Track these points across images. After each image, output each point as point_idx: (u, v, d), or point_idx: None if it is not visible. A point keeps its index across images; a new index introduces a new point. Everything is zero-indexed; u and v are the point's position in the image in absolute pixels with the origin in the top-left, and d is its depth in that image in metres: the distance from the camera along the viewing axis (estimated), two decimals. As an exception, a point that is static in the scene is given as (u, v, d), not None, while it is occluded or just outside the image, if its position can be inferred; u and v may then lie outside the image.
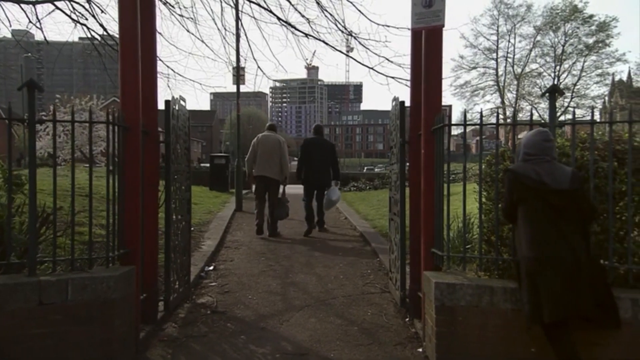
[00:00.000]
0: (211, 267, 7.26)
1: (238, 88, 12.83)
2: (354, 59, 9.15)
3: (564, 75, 44.21)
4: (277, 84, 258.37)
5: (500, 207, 3.83)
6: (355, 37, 8.54)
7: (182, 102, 5.48)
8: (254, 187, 10.47)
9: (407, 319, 5.19)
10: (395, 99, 5.64)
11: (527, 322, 3.48)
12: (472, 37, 46.82)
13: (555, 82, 43.19)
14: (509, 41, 46.76)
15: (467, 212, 4.48)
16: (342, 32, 8.46)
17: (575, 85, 42.90)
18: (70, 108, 4.37)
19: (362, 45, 8.55)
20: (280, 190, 9.97)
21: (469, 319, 4.11)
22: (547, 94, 4.20)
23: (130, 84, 4.41)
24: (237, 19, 11.85)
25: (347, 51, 10.49)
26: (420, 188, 4.86)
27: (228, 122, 64.29)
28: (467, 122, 4.37)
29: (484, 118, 4.55)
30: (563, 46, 44.64)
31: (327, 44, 9.57)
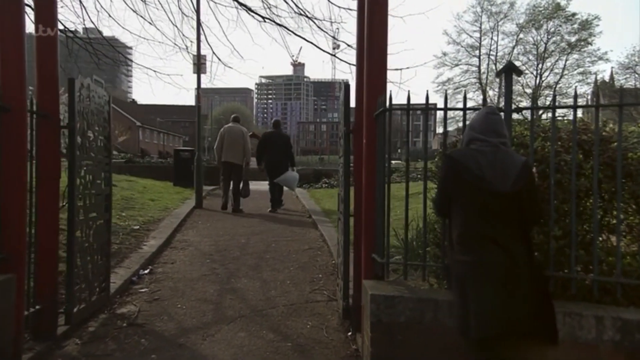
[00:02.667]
0: (146, 271, 6.57)
1: (199, 77, 12.08)
2: (315, 45, 8.50)
3: (546, 73, 44.10)
4: (263, 80, 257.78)
5: (433, 199, 3.14)
6: (311, 19, 7.87)
7: (95, 84, 4.78)
8: (221, 170, 12.16)
9: (350, 333, 4.56)
10: (341, 83, 5.01)
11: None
12: (455, 33, 46.55)
13: (538, 81, 43.04)
14: (491, 38, 46.61)
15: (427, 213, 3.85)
16: (295, 12, 7.77)
17: (557, 83, 42.70)
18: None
19: (319, 27, 7.88)
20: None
21: (409, 337, 3.53)
22: (502, 75, 3.58)
23: (10, 55, 3.69)
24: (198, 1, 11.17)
25: (333, 48, 10.17)
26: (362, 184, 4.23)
27: (210, 118, 63.49)
28: (412, 106, 3.73)
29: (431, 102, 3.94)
30: (545, 44, 44.54)
31: (288, 29, 8.92)
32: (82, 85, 4.47)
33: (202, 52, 12.05)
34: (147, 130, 63.34)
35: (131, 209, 10.67)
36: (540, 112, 4.85)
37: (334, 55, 8.28)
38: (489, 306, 2.63)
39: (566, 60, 43.26)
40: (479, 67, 46.11)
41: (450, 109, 3.72)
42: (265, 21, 8.57)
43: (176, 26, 8.39)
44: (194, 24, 10.86)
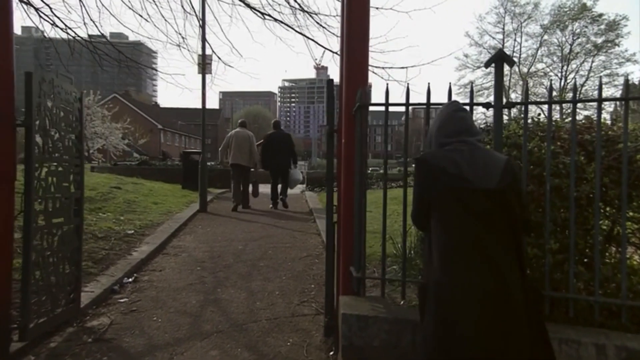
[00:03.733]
0: (131, 279, 6.24)
1: (203, 77, 11.75)
2: (314, 40, 8.10)
3: (572, 75, 42.97)
4: (286, 84, 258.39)
5: (411, 211, 2.68)
6: (309, 14, 7.48)
7: (61, 79, 4.45)
8: (231, 172, 13.00)
9: (332, 353, 4.14)
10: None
11: None
12: (477, 35, 45.74)
13: (562, 83, 42.02)
14: (515, 40, 45.69)
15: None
16: (292, 7, 7.39)
17: (582, 86, 41.58)
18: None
19: (318, 23, 7.49)
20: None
21: (384, 364, 3.10)
22: (491, 65, 3.15)
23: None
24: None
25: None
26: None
27: (232, 121, 63.64)
28: (391, 102, 3.32)
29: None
30: (571, 45, 43.45)
31: (289, 26, 8.55)
32: (42, 79, 4.14)
33: (195, 51, 11.71)
34: (168, 132, 63.66)
35: (132, 212, 10.40)
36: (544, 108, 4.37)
37: (330, 50, 7.84)
38: (475, 336, 2.19)
39: (592, 62, 42.14)
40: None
41: (435, 105, 3.30)
42: (265, 18, 8.22)
43: (168, 22, 8.02)
44: (196, 21, 10.52)
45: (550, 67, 43.63)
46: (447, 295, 2.27)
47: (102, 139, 37.82)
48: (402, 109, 3.39)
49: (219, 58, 9.63)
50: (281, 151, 12.63)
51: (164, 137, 62.17)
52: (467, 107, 3.25)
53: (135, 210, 10.63)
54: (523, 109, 3.16)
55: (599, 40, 41.74)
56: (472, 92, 3.23)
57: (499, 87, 3.16)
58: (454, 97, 3.31)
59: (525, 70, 44.79)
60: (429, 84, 3.28)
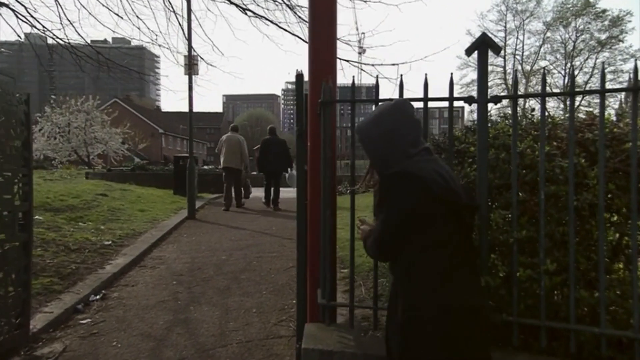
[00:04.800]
0: (98, 296, 5.77)
1: (190, 79, 11.27)
2: (300, 38, 7.62)
3: (575, 72, 42.31)
4: (290, 86, 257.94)
5: (376, 238, 2.19)
6: (291, 8, 7.01)
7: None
8: (223, 175, 13.68)
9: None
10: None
11: None
12: (479, 33, 45.04)
13: (565, 81, 41.38)
14: (517, 38, 45.24)
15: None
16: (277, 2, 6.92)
17: (586, 83, 40.98)
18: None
19: (301, 18, 7.02)
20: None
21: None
22: (474, 52, 2.66)
23: None
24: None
25: (359, 53, 9.77)
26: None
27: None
28: (358, 99, 2.83)
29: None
30: (574, 42, 42.93)
31: (276, 24, 8.09)
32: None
33: (175, 49, 11.25)
34: (170, 137, 63.31)
35: (115, 221, 9.94)
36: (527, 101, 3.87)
37: (301, 38, 7.38)
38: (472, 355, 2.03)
39: (596, 58, 41.54)
40: (504, 67, 44.63)
41: (414, 100, 2.81)
42: (246, 14, 7.76)
43: (140, 18, 7.54)
44: (179, 18, 10.07)
45: (554, 65, 43.08)
46: (458, 318, 2.00)
47: (102, 144, 37.44)
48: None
49: (201, 58, 9.12)
50: (275, 156, 13.18)
51: (165, 141, 61.83)
52: (446, 103, 2.77)
53: (119, 219, 10.17)
54: (512, 103, 2.66)
55: (603, 37, 41.22)
56: (451, 84, 2.73)
57: (483, 79, 2.67)
58: (456, 95, 2.84)
59: (528, 68, 44.20)
60: (426, 75, 2.79)
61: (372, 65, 7.49)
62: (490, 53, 2.67)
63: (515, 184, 2.60)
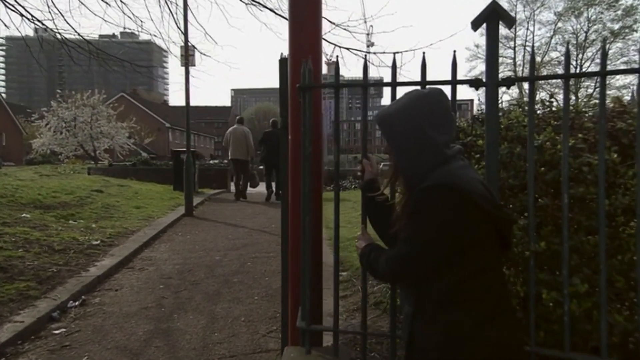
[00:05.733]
0: (77, 302, 5.35)
1: (187, 70, 10.78)
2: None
3: (587, 63, 41.55)
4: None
5: (399, 257, 1.75)
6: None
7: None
8: (231, 167, 14.73)
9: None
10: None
11: None
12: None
13: (577, 71, 40.58)
14: (527, 29, 44.27)
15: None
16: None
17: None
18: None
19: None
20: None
21: None
22: (483, 24, 2.18)
23: None
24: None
25: (368, 46, 9.43)
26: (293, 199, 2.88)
27: (245, 118, 62.92)
28: (343, 83, 2.36)
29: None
30: (586, 33, 42.01)
31: (273, 11, 7.64)
32: None
33: (168, 38, 10.77)
34: (177, 131, 62.99)
35: (108, 219, 9.54)
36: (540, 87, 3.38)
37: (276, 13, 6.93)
38: None
39: (608, 49, 40.60)
40: (514, 59, 43.81)
41: (402, 84, 2.35)
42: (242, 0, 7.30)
43: (125, 4, 7.09)
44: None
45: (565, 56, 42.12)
46: (507, 356, 1.65)
47: (108, 138, 37.14)
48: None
49: (195, 48, 8.66)
50: (275, 148, 13.20)
51: (172, 135, 61.56)
52: (449, 87, 2.30)
53: (113, 216, 9.77)
54: (528, 87, 2.18)
55: (616, 27, 40.26)
56: (454, 65, 2.25)
57: (493, 58, 2.19)
58: (468, 91, 2.39)
59: (538, 59, 43.36)
60: (423, 54, 2.32)
61: (374, 53, 7.01)
62: (501, 41, 2.19)
63: (532, 185, 2.12)
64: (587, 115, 2.48)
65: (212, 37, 7.83)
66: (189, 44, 10.52)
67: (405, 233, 1.73)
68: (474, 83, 2.22)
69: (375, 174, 2.26)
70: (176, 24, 9.25)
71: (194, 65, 10.77)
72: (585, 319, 2.07)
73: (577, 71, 40.57)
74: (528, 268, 2.13)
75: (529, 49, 43.63)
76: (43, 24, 8.92)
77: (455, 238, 1.63)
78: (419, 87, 2.01)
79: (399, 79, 2.40)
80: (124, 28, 7.22)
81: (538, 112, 2.66)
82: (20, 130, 52.96)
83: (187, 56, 10.62)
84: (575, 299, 2.06)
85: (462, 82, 2.26)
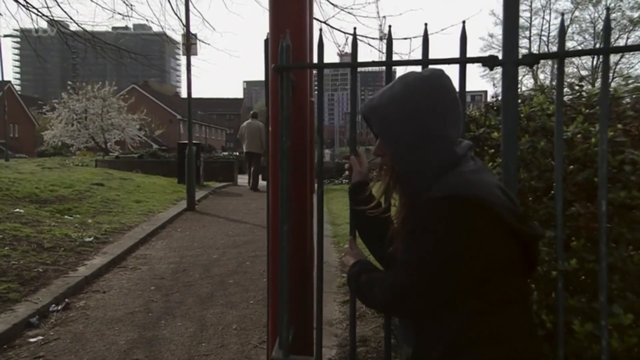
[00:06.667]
0: (60, 306, 4.99)
1: (188, 58, 10.41)
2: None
3: (604, 53, 40.47)
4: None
5: (400, 286, 1.33)
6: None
7: None
8: (246, 159, 15.41)
9: None
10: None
11: None
12: (502, 12, 43.51)
13: (595, 62, 39.63)
14: (543, 18, 43.42)
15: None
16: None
17: (617, 64, 39.13)
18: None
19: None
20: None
21: None
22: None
23: None
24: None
25: (380, 38, 9.10)
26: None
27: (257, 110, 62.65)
28: (327, 63, 1.94)
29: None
30: (604, 21, 40.96)
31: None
32: None
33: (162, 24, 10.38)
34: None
35: (106, 213, 9.20)
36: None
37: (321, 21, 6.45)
38: None
39: (627, 38, 39.58)
40: (529, 49, 42.89)
41: (398, 63, 1.92)
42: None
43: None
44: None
45: (582, 45, 41.20)
46: None
47: (118, 130, 36.95)
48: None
49: (196, 37, 8.27)
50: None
51: (183, 127, 61.39)
52: (457, 66, 1.86)
53: (111, 211, 9.43)
54: (556, 66, 1.74)
55: (635, 15, 39.19)
56: (464, 38, 1.82)
57: (512, 29, 1.75)
58: (481, 82, 1.98)
59: (554, 49, 42.50)
60: (425, 26, 1.89)
61: (380, 39, 6.55)
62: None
63: (561, 188, 1.69)
64: (626, 100, 2.04)
65: (211, 24, 7.42)
66: (191, 33, 10.11)
67: (406, 256, 1.31)
68: (488, 61, 1.78)
69: (365, 174, 1.84)
70: (173, 10, 8.84)
71: (196, 54, 10.38)
72: (629, 358, 1.64)
73: (594, 61, 39.69)
74: (555, 292, 1.70)
75: (544, 38, 42.78)
76: (39, 12, 8.63)
77: (471, 264, 1.23)
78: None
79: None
80: (114, 12, 6.79)
81: (565, 98, 2.22)
82: (33, 122, 53.08)
83: (189, 45, 10.21)
84: (617, 332, 1.62)
85: (473, 60, 1.82)
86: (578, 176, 1.82)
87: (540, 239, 1.39)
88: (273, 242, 2.32)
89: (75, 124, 33.52)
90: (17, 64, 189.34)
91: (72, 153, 34.20)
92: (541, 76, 38.76)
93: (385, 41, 2.00)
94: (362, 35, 6.57)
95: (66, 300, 5.15)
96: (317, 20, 6.38)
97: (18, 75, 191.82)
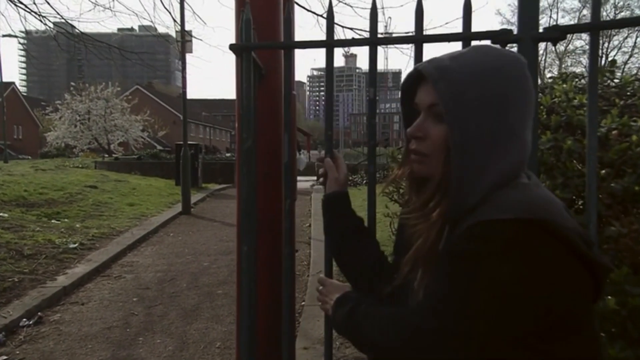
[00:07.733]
0: (32, 321, 4.62)
1: (183, 57, 10.04)
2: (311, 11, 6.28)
3: (613, 52, 39.90)
4: (315, 73, 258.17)
5: (435, 334, 0.85)
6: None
7: None
8: None
9: None
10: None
11: None
12: (510, 13, 43.12)
13: (604, 61, 39.07)
14: (550, 17, 42.71)
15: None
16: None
17: (625, 64, 38.53)
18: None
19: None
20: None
21: None
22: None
23: None
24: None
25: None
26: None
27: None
28: (300, 40, 1.55)
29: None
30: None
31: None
32: None
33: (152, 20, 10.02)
34: (191, 124, 62.60)
35: (96, 217, 8.84)
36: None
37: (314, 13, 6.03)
38: None
39: (636, 37, 38.99)
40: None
41: (385, 42, 1.53)
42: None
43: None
44: None
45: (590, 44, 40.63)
46: None
47: (122, 131, 36.67)
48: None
49: (192, 36, 7.90)
50: None
51: (187, 128, 61.30)
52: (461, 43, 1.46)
53: (102, 215, 9.07)
54: (590, 40, 1.34)
55: None
56: (468, 5, 1.42)
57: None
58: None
59: (561, 48, 41.88)
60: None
61: (382, 34, 6.13)
62: None
63: (595, 199, 1.29)
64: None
65: (202, 18, 7.07)
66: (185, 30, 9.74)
67: (441, 290, 0.87)
68: (500, 37, 1.38)
69: (343, 182, 1.44)
70: (164, 5, 8.47)
71: (191, 52, 10.00)
72: None
73: (602, 60, 39.13)
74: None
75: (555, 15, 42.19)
76: (28, 8, 8.32)
77: (540, 310, 0.83)
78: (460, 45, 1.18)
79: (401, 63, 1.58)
80: (95, 4, 6.42)
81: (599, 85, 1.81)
82: (37, 123, 52.89)
83: (184, 43, 9.83)
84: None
85: (480, 35, 1.41)
86: (613, 184, 1.42)
87: (609, 272, 0.97)
88: (238, 261, 1.93)
89: (78, 125, 33.28)
90: (23, 65, 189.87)
91: (75, 154, 34.00)
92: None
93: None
94: (360, 29, 6.14)
95: (39, 313, 4.78)
96: (314, 13, 5.98)
97: (24, 77, 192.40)
